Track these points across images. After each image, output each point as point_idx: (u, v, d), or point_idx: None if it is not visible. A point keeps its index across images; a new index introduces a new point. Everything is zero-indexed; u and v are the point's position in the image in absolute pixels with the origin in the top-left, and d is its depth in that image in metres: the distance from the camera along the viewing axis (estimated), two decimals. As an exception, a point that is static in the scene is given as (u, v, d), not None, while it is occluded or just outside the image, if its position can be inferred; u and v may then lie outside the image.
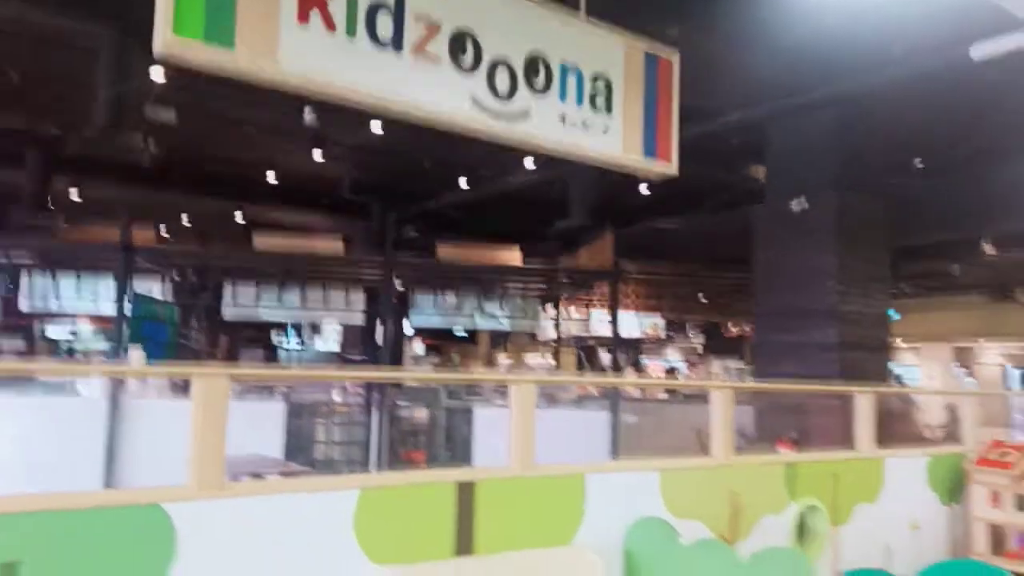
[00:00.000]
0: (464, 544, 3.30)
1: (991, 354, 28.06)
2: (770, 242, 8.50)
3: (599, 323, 17.33)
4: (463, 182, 12.31)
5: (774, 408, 8.31)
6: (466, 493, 3.33)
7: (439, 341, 18.08)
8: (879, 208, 8.39)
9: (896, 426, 7.90)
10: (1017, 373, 23.40)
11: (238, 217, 13.41)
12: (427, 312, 14.53)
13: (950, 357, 24.75)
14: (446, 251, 13.58)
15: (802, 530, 4.55)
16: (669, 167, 4.51)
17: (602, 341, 18.01)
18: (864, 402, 5.05)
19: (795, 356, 7.89)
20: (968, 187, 9.95)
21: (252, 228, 13.20)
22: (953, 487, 5.35)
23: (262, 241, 12.95)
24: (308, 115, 8.37)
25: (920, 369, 23.31)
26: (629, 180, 11.06)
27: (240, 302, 13.69)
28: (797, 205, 8.14)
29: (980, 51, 5.91)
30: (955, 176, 9.97)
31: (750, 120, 8.17)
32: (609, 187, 10.54)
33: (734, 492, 4.19)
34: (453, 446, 11.16)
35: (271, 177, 12.33)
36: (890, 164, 9.41)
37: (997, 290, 16.08)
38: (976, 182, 9.77)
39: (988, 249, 11.93)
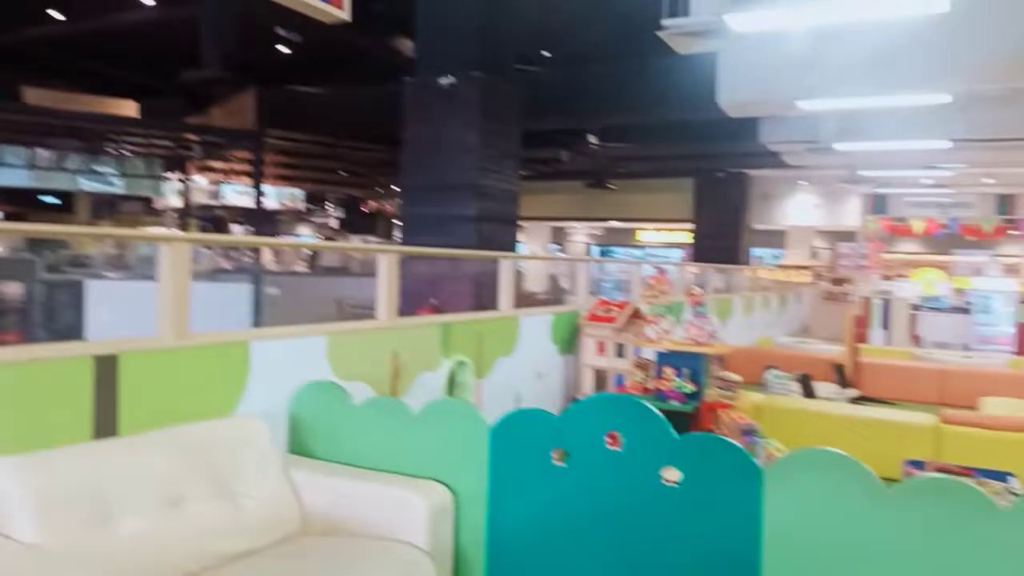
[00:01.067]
0: (105, 425, 2.87)
1: (580, 234, 32.99)
2: (420, 117, 8.61)
3: (232, 192, 16.12)
4: (55, 13, 10.09)
5: (414, 279, 8.69)
6: (106, 368, 2.87)
7: (20, 208, 15.03)
8: (517, 90, 8.98)
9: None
10: (597, 249, 28.02)
11: None
12: (13, 168, 11.96)
13: (548, 235, 28.43)
14: (36, 96, 11.19)
15: (452, 383, 4.91)
16: (342, 12, 4.19)
17: (233, 212, 16.85)
18: (506, 267, 5.51)
19: (439, 228, 8.28)
20: (583, 80, 11.10)
21: None
22: (569, 339, 6.22)
23: None
24: None
25: (525, 244, 26.37)
26: (270, 33, 10.17)
27: None
28: (446, 81, 8.31)
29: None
30: (573, 69, 11.03)
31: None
32: (248, 37, 9.56)
33: (396, 352, 4.31)
34: (56, 325, 9.63)
35: None
36: (525, 51, 10.04)
37: (592, 177, 18.64)
38: (589, 76, 10.94)
39: (592, 139, 13.64)
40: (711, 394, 4.73)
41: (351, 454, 3.36)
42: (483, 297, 7.63)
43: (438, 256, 7.86)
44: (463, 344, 4.94)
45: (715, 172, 17.93)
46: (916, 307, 14.30)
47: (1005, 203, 13.69)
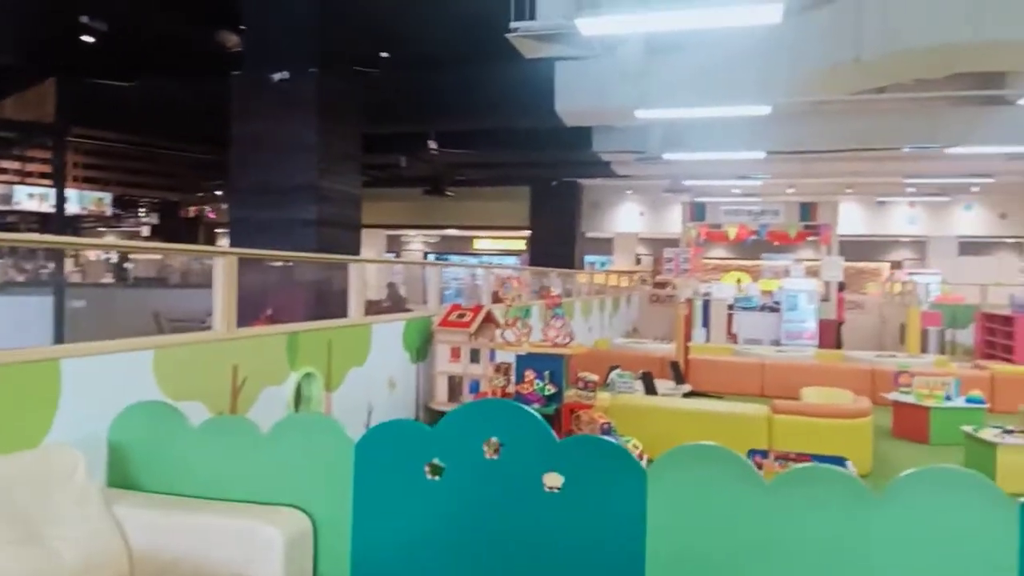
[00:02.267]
0: None
1: (416, 242, 32.70)
2: (250, 114, 8.02)
3: (26, 195, 14.30)
4: None
5: (246, 289, 8.07)
6: None
7: None
8: (356, 90, 8.63)
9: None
10: (432, 257, 27.93)
11: None
12: None
13: (383, 243, 27.90)
14: None
15: (299, 397, 4.53)
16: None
17: (27, 218, 14.98)
18: (356, 273, 5.19)
19: (275, 233, 7.74)
20: (423, 84, 10.91)
21: None
22: (421, 347, 6.00)
23: None
24: None
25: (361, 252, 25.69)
26: (74, 19, 9.09)
27: None
28: (279, 76, 7.80)
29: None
30: (413, 72, 10.80)
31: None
32: (49, 22, 8.47)
33: (236, 366, 3.89)
34: None
35: None
36: (363, 51, 9.69)
37: (430, 184, 18.46)
38: (430, 80, 10.77)
39: (432, 145, 13.48)
40: (570, 395, 4.70)
41: (188, 483, 2.94)
42: (325, 306, 7.22)
43: (288, 260, 7.33)
44: (312, 355, 4.58)
45: (550, 181, 18.38)
46: (731, 307, 15.41)
47: (807, 210, 15.13)
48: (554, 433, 2.62)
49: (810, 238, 16.05)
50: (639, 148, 12.60)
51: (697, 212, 15.88)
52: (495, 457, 2.65)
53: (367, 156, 13.73)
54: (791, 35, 7.78)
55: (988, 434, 5.86)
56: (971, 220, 18.85)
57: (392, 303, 13.41)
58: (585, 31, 5.39)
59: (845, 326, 15.60)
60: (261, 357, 4.13)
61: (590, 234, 21.64)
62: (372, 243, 26.66)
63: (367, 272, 5.17)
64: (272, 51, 8.02)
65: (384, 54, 10.80)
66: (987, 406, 7.46)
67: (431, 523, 2.69)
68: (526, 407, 2.68)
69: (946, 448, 7.05)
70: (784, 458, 4.73)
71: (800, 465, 2.46)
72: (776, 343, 14.18)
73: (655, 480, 2.52)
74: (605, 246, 24.07)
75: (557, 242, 18.80)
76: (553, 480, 2.60)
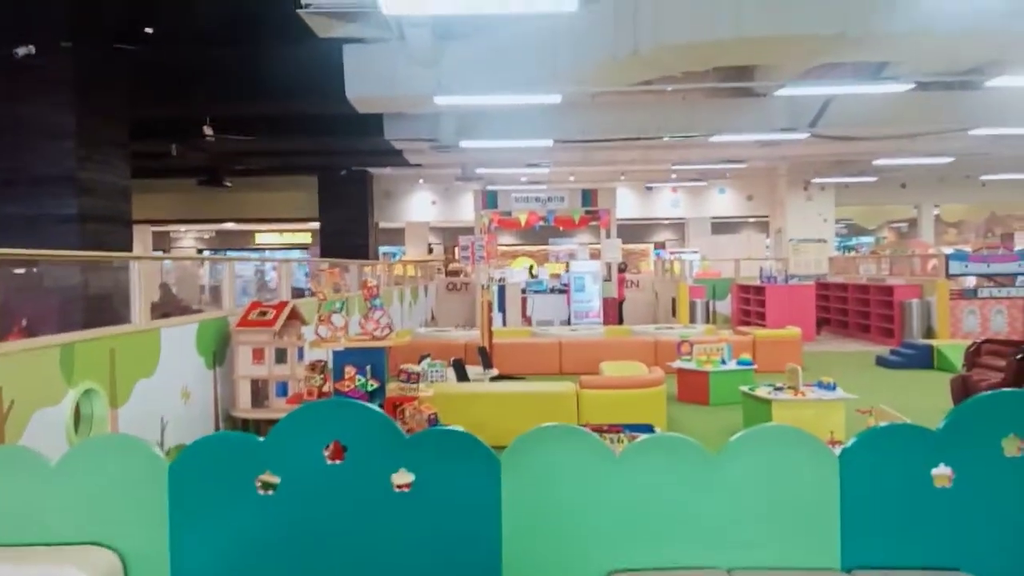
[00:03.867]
0: None
1: (188, 238, 30.17)
2: (-15, 92, 6.82)
3: None
4: None
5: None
6: None
7: None
8: (119, 68, 7.69)
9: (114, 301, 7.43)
10: (208, 252, 26.08)
11: None
12: None
13: (149, 240, 25.36)
14: None
15: (79, 418, 3.94)
16: None
17: None
18: (140, 272, 4.61)
19: (24, 231, 6.67)
20: (196, 64, 9.97)
21: None
22: (218, 350, 5.48)
23: None
24: None
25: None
26: None
27: None
28: (23, 51, 6.73)
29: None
30: (185, 50, 9.85)
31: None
32: None
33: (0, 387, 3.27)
34: None
35: None
36: (126, 23, 8.65)
37: (206, 174, 17.04)
38: (205, 60, 9.88)
39: (207, 131, 12.41)
40: (393, 389, 4.54)
41: (-50, 533, 2.42)
42: (98, 312, 6.38)
43: (59, 260, 6.32)
44: (92, 368, 3.99)
45: (339, 170, 17.78)
46: (524, 291, 15.98)
47: (588, 196, 16.03)
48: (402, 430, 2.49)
49: (591, 222, 17.02)
50: (432, 136, 12.55)
51: (489, 200, 16.20)
52: (338, 462, 2.46)
53: (132, 143, 12.40)
54: (578, 25, 8.12)
55: (763, 392, 6.55)
56: (724, 202, 21.09)
57: (167, 306, 12.24)
58: (387, 9, 5.19)
59: (625, 303, 16.79)
60: (29, 375, 3.52)
61: (384, 224, 21.30)
62: (136, 240, 24.18)
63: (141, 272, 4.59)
64: (12, 22, 6.89)
65: (148, 29, 9.73)
66: (755, 367, 8.37)
67: (267, 543, 2.44)
68: (369, 406, 2.51)
69: (725, 407, 7.80)
70: (598, 431, 4.92)
71: (645, 436, 2.54)
72: (566, 323, 14.92)
73: (509, 465, 2.47)
74: (397, 236, 23.84)
75: (349, 233, 18.25)
76: (403, 478, 2.46)
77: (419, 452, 2.48)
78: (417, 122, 12.53)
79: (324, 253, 18.49)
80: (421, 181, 20.37)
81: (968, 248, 20.82)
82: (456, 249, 17.02)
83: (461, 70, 9.14)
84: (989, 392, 2.49)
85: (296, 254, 28.40)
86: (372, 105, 10.52)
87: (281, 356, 5.41)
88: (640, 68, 9.04)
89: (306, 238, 28.01)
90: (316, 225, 19.60)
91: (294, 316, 5.64)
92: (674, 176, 18.69)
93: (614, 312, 15.77)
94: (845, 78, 10.14)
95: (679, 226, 24.42)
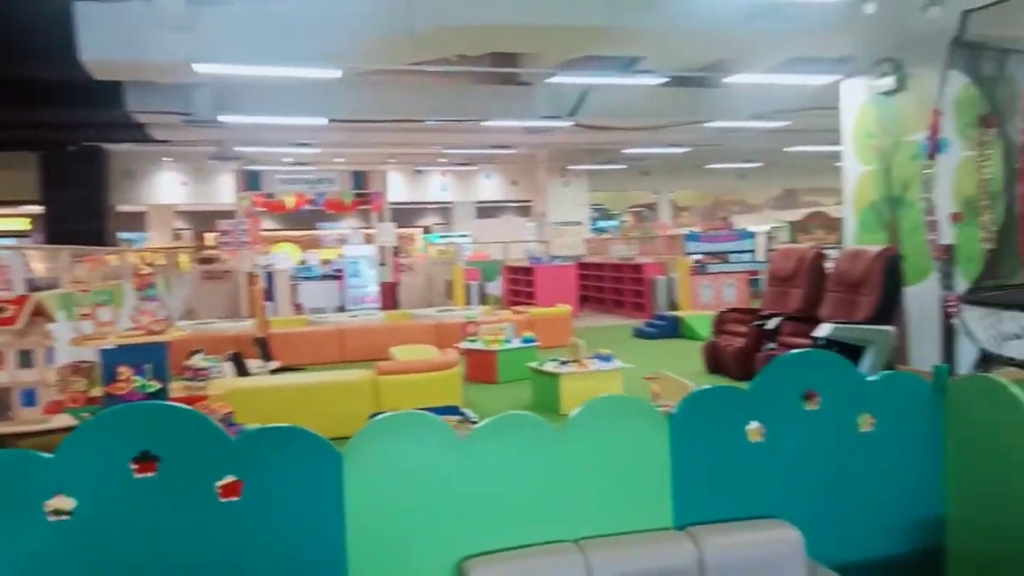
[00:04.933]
0: None
1: None
2: None
3: None
4: None
5: None
6: None
7: None
8: None
9: None
10: None
11: None
12: None
13: None
14: None
15: None
16: None
17: None
18: None
19: None
20: None
21: None
22: (-63, 357, 4.52)
23: None
24: None
25: None
26: None
27: None
28: None
29: None
30: None
31: None
32: None
33: None
34: None
35: None
36: None
37: None
38: None
39: None
40: (178, 388, 4.04)
41: None
42: None
43: None
44: None
45: (67, 146, 15.54)
46: (294, 277, 15.23)
47: (360, 179, 15.60)
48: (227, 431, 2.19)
49: (362, 206, 16.65)
50: (185, 109, 11.40)
51: (251, 181, 15.15)
52: (150, 474, 2.11)
53: None
54: (351, 2, 7.80)
55: (550, 367, 6.85)
56: (490, 187, 21.74)
57: None
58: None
59: (399, 287, 16.69)
60: None
61: (123, 207, 19.08)
62: None
63: None
64: None
65: None
66: (537, 343, 8.72)
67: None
68: (187, 407, 2.18)
69: (513, 384, 8.05)
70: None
71: (491, 418, 2.48)
72: (341, 309, 14.48)
73: (351, 458, 2.29)
74: (138, 221, 21.53)
75: (82, 218, 16.07)
76: (230, 485, 2.18)
77: (247, 454, 2.21)
78: (166, 93, 11.31)
79: (50, 241, 16.13)
80: (168, 160, 18.52)
81: (698, 229, 23.55)
82: (211, 235, 15.73)
83: (220, 38, 8.40)
84: (792, 354, 2.79)
85: (10, 242, 24.47)
86: (112, 71, 9.34)
87: (26, 359, 4.58)
88: (416, 48, 8.95)
89: (22, 224, 24.24)
90: (38, 209, 17.05)
91: (39, 313, 4.82)
92: (443, 160, 18.88)
93: (390, 296, 15.61)
94: (601, 70, 10.85)
95: (446, 210, 24.76)
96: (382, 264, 15.81)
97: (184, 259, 17.65)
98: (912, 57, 7.34)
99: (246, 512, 2.18)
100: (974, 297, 5.86)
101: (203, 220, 23.49)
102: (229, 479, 2.18)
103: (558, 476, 2.45)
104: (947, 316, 6.41)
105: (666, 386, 4.84)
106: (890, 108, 7.63)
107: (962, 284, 6.51)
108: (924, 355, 7.11)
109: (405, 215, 23.34)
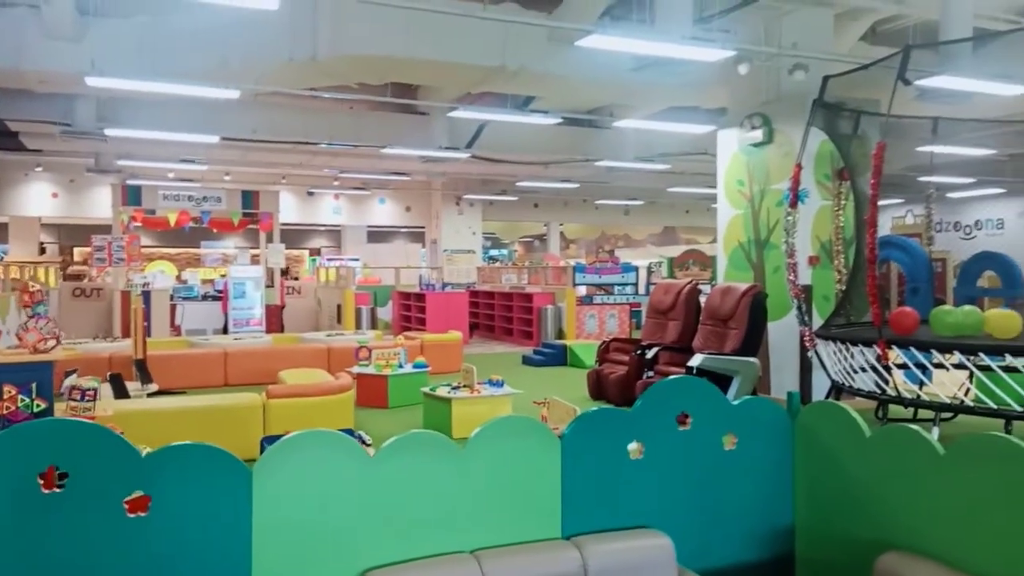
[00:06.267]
0: None
1: None
2: None
3: None
4: None
5: None
6: None
7: None
8: None
9: None
10: None
11: None
12: None
13: None
14: None
15: None
16: None
17: None
18: None
19: None
20: None
21: None
22: None
23: None
24: None
25: None
26: None
27: None
28: None
29: None
30: None
31: None
32: None
33: None
34: None
35: None
36: None
37: None
38: None
39: None
40: (63, 409, 3.93)
41: None
42: None
43: None
44: None
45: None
46: (173, 297, 14.64)
47: (250, 198, 15.24)
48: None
49: (251, 226, 16.28)
50: (64, 119, 10.89)
51: (131, 195, 14.51)
52: (56, 491, 2.14)
53: None
54: (254, 22, 7.80)
55: (443, 392, 7.00)
56: (384, 212, 21.74)
57: None
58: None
59: (285, 310, 16.35)
60: None
61: (-17, 218, 17.79)
62: None
63: None
64: None
65: None
66: (429, 368, 8.85)
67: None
68: (93, 422, 2.22)
69: (404, 409, 8.14)
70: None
71: (398, 436, 2.63)
72: (222, 331, 14.05)
73: (261, 476, 2.39)
74: (2, 233, 20.08)
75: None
76: (138, 502, 2.23)
77: (156, 470, 2.27)
78: (44, 101, 10.79)
79: None
80: (39, 169, 17.45)
81: (584, 261, 24.39)
82: (82, 250, 14.92)
83: (112, 51, 8.18)
84: (668, 380, 3.10)
85: None
86: (-12, 76, 8.84)
87: None
88: (316, 74, 9.02)
89: None
90: None
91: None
92: (337, 183, 18.75)
93: (276, 319, 15.27)
94: (496, 107, 11.26)
95: (335, 233, 24.47)
96: (269, 286, 15.47)
97: (50, 275, 16.60)
98: (779, 114, 8.12)
99: (153, 527, 2.24)
100: (827, 333, 6.49)
101: (74, 234, 22.15)
102: (137, 494, 2.23)
103: (458, 491, 2.63)
104: (804, 350, 7.07)
105: (554, 410, 5.10)
106: (758, 158, 8.38)
107: (817, 321, 7.21)
108: (784, 385, 7.78)
109: (294, 237, 22.93)
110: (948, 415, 6.22)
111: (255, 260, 16.41)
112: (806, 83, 7.58)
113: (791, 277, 6.68)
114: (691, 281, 8.90)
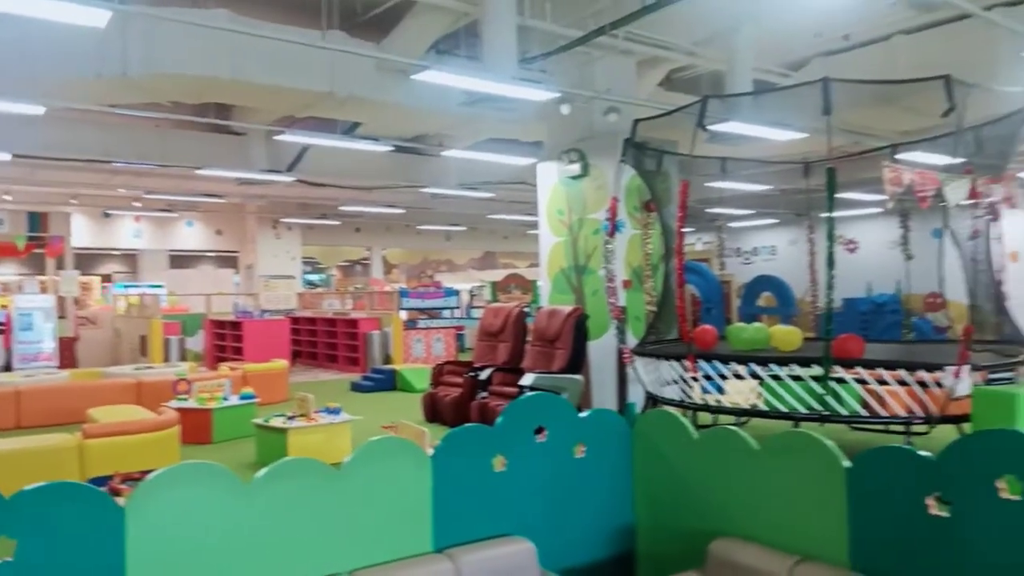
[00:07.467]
0: None
1: None
2: None
3: None
4: None
5: None
6: None
7: None
8: None
9: None
10: None
11: None
12: None
13: None
14: None
15: None
16: None
17: None
18: None
19: None
20: None
21: None
22: None
23: None
24: None
25: None
26: None
27: None
28: None
29: None
30: None
31: None
32: None
33: None
34: None
35: None
36: None
37: None
38: None
39: None
40: None
41: None
42: None
43: None
44: None
45: None
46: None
47: (37, 220, 13.75)
48: (-1, 492, 2.12)
49: (37, 250, 14.73)
50: None
51: None
52: (-95, 545, 1.97)
53: None
54: (62, 35, 7.22)
55: (278, 422, 6.82)
56: (191, 235, 20.46)
57: None
58: None
59: (79, 343, 14.90)
60: None
61: None
62: None
63: None
64: None
65: None
66: (258, 400, 8.54)
67: None
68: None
69: (231, 443, 7.80)
70: (130, 479, 4.62)
71: (274, 464, 2.65)
72: (6, 368, 12.56)
73: (134, 513, 2.33)
74: None
75: None
76: (4, 548, 2.10)
77: (19, 514, 2.14)
78: None
79: None
80: None
81: (406, 286, 24.45)
82: None
83: None
84: (526, 396, 3.36)
85: None
86: None
87: None
88: (128, 91, 8.52)
89: None
90: None
91: None
92: (139, 204, 17.43)
93: (70, 353, 13.88)
94: (319, 130, 11.15)
95: (131, 257, 22.59)
96: (61, 317, 14.06)
97: None
98: (594, 150, 8.81)
99: (20, 573, 2.12)
100: (641, 350, 7.14)
101: None
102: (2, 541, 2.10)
103: (334, 514, 2.70)
104: (621, 366, 7.71)
105: (404, 433, 5.21)
106: (576, 190, 9.02)
107: (632, 339, 7.88)
108: (604, 399, 8.39)
109: (87, 262, 20.90)
110: (744, 419, 7.07)
111: (44, 288, 14.82)
112: (618, 124, 8.31)
113: (611, 300, 7.27)
114: (518, 305, 9.35)
